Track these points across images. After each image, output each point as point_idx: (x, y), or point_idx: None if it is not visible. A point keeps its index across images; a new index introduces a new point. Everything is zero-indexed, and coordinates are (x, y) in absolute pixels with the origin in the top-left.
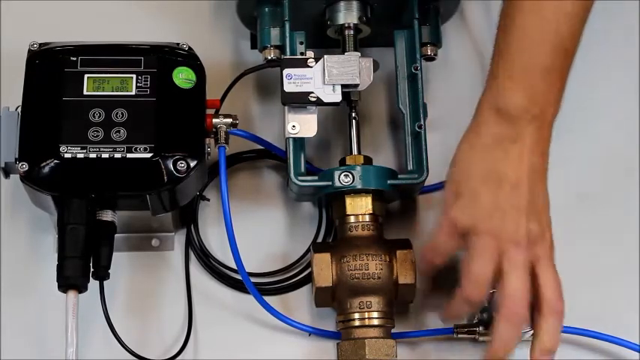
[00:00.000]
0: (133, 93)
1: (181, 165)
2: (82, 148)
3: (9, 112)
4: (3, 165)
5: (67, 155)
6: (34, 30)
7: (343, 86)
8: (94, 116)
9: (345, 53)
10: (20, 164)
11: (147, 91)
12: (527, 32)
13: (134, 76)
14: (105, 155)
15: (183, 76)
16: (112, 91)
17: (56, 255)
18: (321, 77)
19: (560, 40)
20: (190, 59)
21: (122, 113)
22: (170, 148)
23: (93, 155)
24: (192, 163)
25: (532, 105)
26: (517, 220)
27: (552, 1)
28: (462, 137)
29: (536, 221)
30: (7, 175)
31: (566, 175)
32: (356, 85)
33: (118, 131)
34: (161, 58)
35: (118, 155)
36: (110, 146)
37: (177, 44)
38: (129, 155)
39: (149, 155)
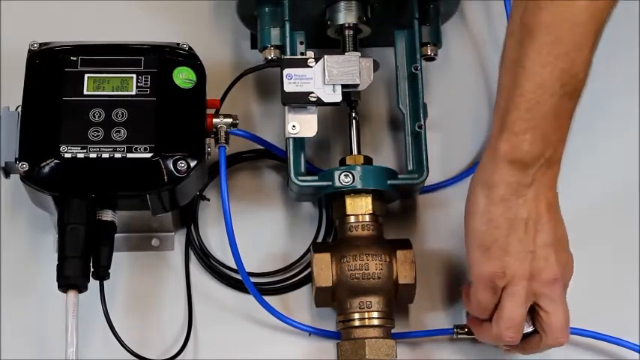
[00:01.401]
0: (133, 93)
1: (181, 165)
2: (82, 148)
3: (9, 112)
4: (3, 165)
5: (67, 155)
6: (34, 30)
7: (343, 86)
8: (94, 116)
9: (345, 53)
10: (20, 164)
11: (147, 91)
12: (537, 79)
13: (134, 76)
14: (105, 155)
15: (183, 76)
16: (112, 91)
17: (56, 255)
18: (321, 77)
19: (570, 79)
20: (190, 59)
21: (122, 113)
22: (170, 148)
23: (93, 155)
24: (193, 163)
25: (546, 149)
26: (547, 257)
27: (563, 42)
28: (473, 187)
29: (563, 250)
30: (7, 175)
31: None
32: (356, 85)
33: (118, 131)
34: (161, 58)
35: (118, 155)
36: (110, 146)
37: (178, 44)
38: (129, 155)
39: (149, 155)
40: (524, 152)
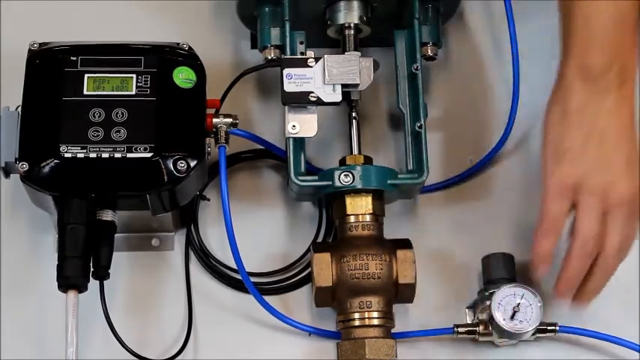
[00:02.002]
0: (133, 93)
1: (181, 165)
2: (82, 148)
3: (9, 112)
4: (3, 165)
5: (67, 155)
6: (34, 30)
7: (343, 86)
8: (94, 116)
9: (346, 53)
10: (20, 164)
11: (147, 90)
12: None
13: (134, 75)
14: (105, 155)
15: (183, 76)
16: (112, 91)
17: (56, 255)
18: (322, 77)
19: None
20: (190, 59)
21: (122, 113)
22: (170, 148)
23: (93, 155)
24: (193, 163)
25: (614, 60)
26: (621, 173)
27: None
28: (549, 107)
29: (636, 171)
30: (7, 174)
31: None
32: (356, 85)
33: (118, 131)
34: (161, 58)
35: (118, 155)
36: (110, 146)
37: (178, 44)
38: (129, 155)
39: (149, 155)
40: (592, 64)
